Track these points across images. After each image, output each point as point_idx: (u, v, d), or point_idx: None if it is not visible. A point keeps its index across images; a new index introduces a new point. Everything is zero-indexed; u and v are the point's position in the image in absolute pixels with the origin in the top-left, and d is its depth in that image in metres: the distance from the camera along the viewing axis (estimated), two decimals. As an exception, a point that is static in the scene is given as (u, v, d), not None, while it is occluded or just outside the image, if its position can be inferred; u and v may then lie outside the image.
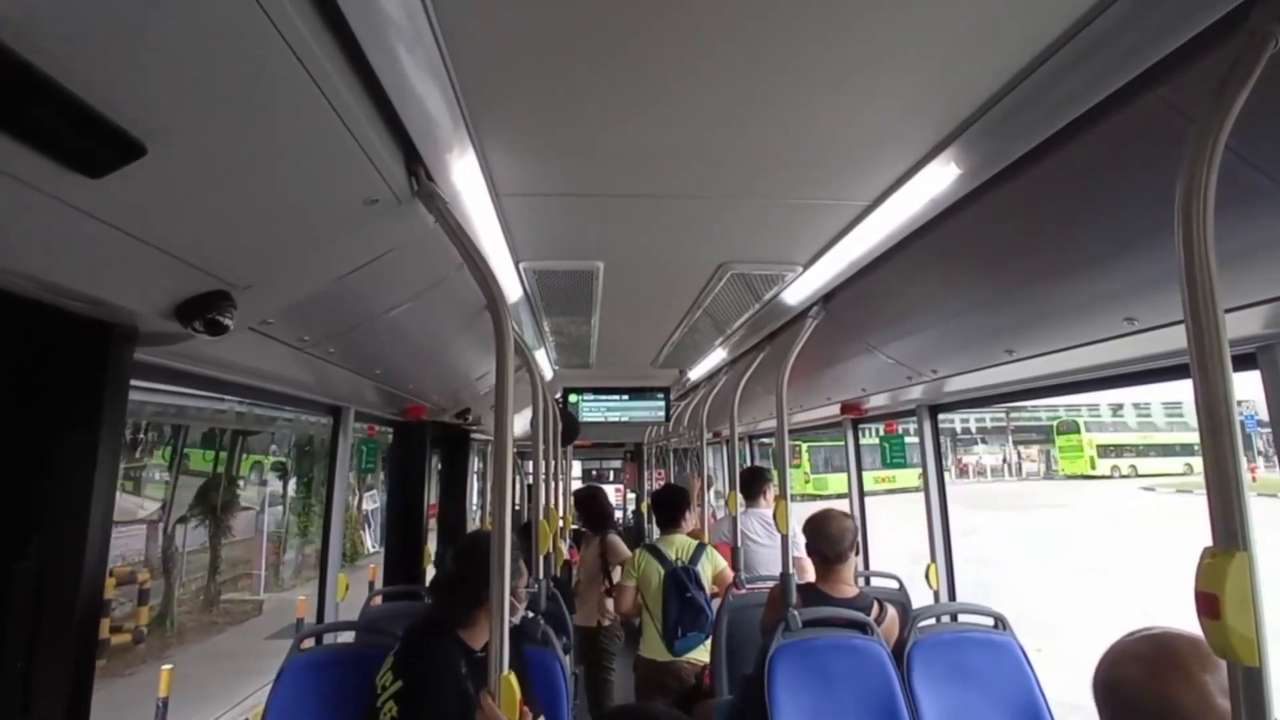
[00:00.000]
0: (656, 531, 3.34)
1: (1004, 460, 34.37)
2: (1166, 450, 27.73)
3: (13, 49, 0.60)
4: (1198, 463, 0.88)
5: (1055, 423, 30.16)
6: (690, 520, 3.36)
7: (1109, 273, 1.32)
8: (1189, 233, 0.72)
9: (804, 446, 22.85)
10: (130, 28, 0.63)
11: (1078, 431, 28.57)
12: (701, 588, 3.06)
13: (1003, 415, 34.38)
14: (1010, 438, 34.89)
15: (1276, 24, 0.72)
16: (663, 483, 6.86)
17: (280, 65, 0.74)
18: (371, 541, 13.80)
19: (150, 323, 1.19)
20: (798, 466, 23.00)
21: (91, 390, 1.17)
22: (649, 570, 3.17)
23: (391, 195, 1.14)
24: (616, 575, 3.71)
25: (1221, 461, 0.68)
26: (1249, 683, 0.65)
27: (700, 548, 3.20)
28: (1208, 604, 0.66)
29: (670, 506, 3.35)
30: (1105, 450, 28.13)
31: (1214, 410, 0.69)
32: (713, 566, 3.14)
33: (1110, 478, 26.91)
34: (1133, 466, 27.57)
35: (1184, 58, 0.84)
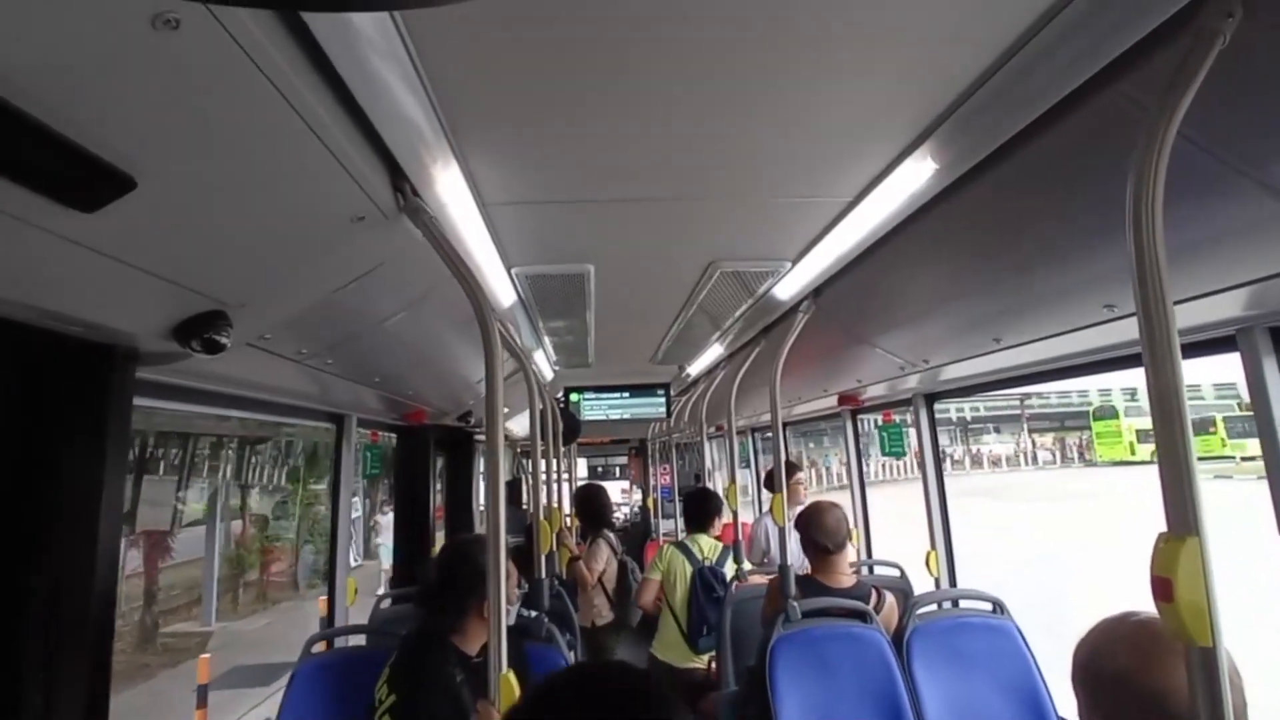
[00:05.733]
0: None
1: (1018, 449, 33.39)
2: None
3: (3, 97, 0.63)
4: (1253, 446, 0.88)
5: (1091, 408, 29.40)
6: (718, 524, 3.37)
7: (1085, 261, 1.33)
8: (1139, 225, 0.74)
9: (1219, 418, 25.79)
10: (112, 72, 0.66)
11: (1116, 417, 27.78)
12: (727, 589, 3.06)
13: (1016, 401, 33.80)
14: (1025, 425, 34.09)
15: (1223, 21, 0.73)
16: (667, 478, 6.89)
17: (260, 96, 0.77)
18: (355, 554, 11.26)
19: (150, 343, 1.23)
20: (1214, 434, 25.42)
21: (96, 409, 1.21)
22: (676, 565, 3.18)
23: (378, 211, 1.17)
24: (609, 576, 3.69)
25: (1173, 449, 0.70)
26: (1204, 662, 0.68)
27: (726, 550, 3.22)
28: (1163, 588, 0.68)
29: (700, 508, 3.39)
30: (1145, 435, 26.72)
31: (1165, 399, 0.71)
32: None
33: (1150, 463, 25.42)
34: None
35: (1140, 54, 0.86)
